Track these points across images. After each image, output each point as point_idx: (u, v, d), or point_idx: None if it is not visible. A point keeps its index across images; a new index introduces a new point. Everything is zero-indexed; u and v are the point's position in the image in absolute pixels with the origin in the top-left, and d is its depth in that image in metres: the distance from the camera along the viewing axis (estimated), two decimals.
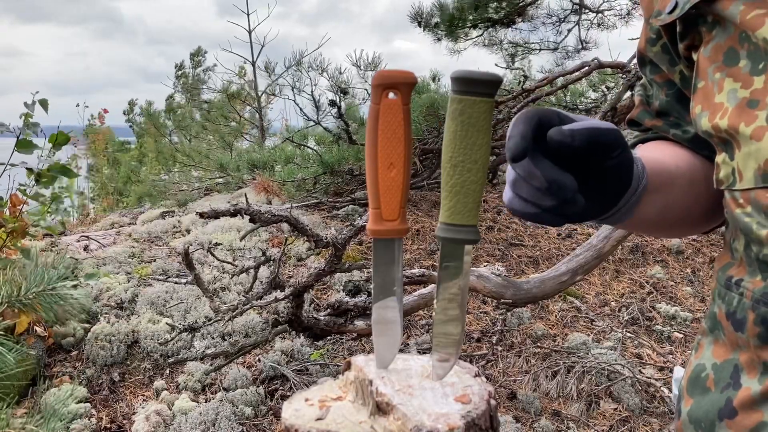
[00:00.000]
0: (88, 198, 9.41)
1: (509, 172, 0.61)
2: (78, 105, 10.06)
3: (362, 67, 5.13)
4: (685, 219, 0.78)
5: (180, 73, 13.37)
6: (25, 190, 2.77)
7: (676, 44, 0.72)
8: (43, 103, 2.78)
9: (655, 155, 0.73)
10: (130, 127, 12.21)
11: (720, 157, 0.65)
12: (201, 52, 13.63)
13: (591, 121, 0.61)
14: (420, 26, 6.24)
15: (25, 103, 2.73)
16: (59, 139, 2.69)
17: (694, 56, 0.69)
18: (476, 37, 6.36)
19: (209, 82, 11.57)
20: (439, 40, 6.32)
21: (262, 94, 9.40)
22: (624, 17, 6.23)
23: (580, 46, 6.30)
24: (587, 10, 6.29)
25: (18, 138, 2.62)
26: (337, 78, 5.07)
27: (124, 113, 11.89)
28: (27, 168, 2.66)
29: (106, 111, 11.20)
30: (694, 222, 0.80)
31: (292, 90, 5.32)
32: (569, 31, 6.35)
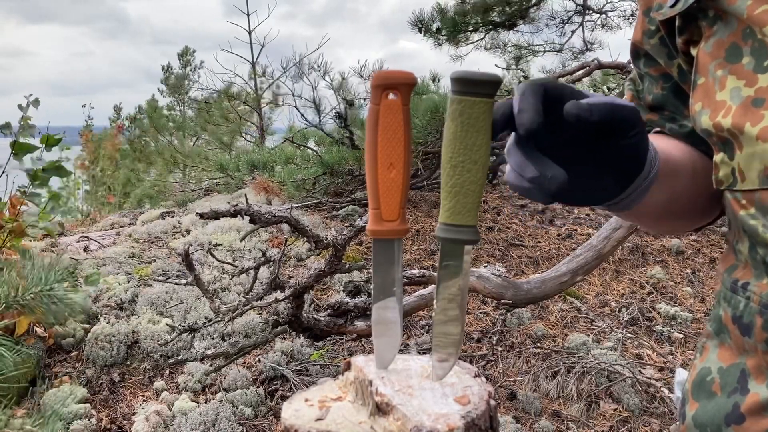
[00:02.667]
0: (81, 198, 9.42)
1: (509, 140, 0.59)
2: (84, 105, 10.08)
3: (366, 78, 5.13)
4: (686, 211, 0.77)
5: (167, 75, 13.43)
6: (24, 191, 2.77)
7: (674, 38, 0.70)
8: (35, 103, 2.80)
9: (661, 146, 0.71)
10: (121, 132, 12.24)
11: (718, 157, 0.63)
12: (189, 52, 13.70)
13: (608, 97, 0.58)
14: (421, 32, 6.24)
15: (19, 106, 2.74)
16: (49, 141, 2.71)
17: (693, 51, 0.67)
18: (478, 40, 6.36)
19: (200, 80, 11.62)
20: (439, 45, 6.31)
21: (262, 94, 9.41)
22: (628, 18, 6.23)
23: (585, 48, 6.30)
24: (591, 11, 6.28)
25: (14, 141, 2.63)
26: (340, 82, 5.06)
27: (109, 120, 11.90)
28: (25, 170, 2.67)
29: (121, 127, 11.29)
30: (694, 215, 0.79)
31: (293, 96, 5.30)
32: (573, 32, 6.35)
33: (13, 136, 2.68)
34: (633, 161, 0.62)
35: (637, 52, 0.80)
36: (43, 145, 2.71)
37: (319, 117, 5.13)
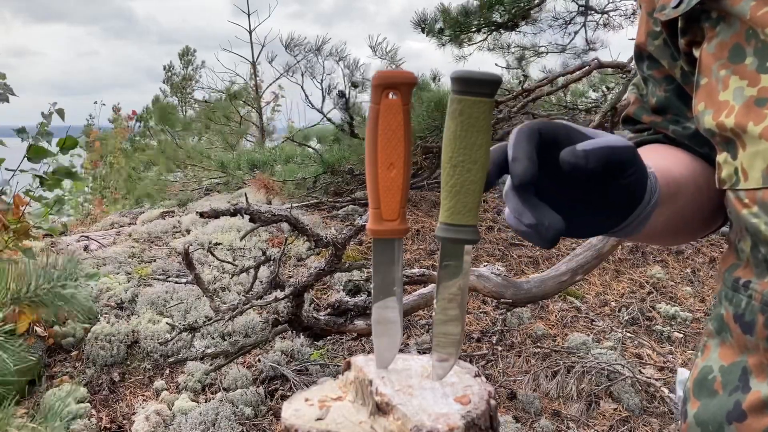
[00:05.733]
0: (88, 197, 9.42)
1: (507, 184, 0.58)
2: (96, 102, 10.19)
3: (378, 54, 5.10)
4: (687, 227, 0.77)
5: (169, 74, 13.47)
6: (29, 191, 2.78)
7: (676, 39, 0.70)
8: (60, 113, 2.79)
9: (662, 163, 0.70)
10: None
11: (721, 157, 0.64)
12: (190, 52, 13.75)
13: (604, 137, 0.57)
14: (424, 32, 6.22)
15: (42, 113, 2.75)
16: (67, 144, 2.70)
17: (695, 52, 0.67)
18: (480, 41, 6.34)
19: (202, 80, 11.62)
20: (443, 45, 6.30)
21: (263, 93, 9.43)
22: (629, 17, 6.22)
23: (588, 47, 6.28)
24: (593, 11, 6.27)
25: (30, 145, 2.62)
26: (353, 68, 4.99)
27: (108, 121, 11.89)
28: (36, 175, 2.67)
29: (134, 112, 11.32)
30: (695, 229, 0.79)
31: (302, 75, 5.18)
32: (576, 33, 6.34)
33: (27, 138, 2.68)
34: (631, 196, 0.62)
35: (640, 54, 0.80)
36: (59, 148, 2.70)
37: (323, 101, 5.05)
